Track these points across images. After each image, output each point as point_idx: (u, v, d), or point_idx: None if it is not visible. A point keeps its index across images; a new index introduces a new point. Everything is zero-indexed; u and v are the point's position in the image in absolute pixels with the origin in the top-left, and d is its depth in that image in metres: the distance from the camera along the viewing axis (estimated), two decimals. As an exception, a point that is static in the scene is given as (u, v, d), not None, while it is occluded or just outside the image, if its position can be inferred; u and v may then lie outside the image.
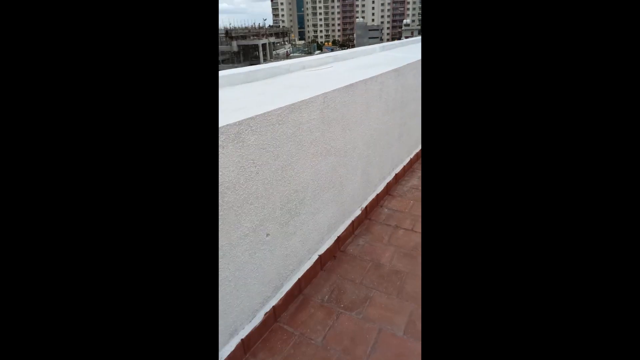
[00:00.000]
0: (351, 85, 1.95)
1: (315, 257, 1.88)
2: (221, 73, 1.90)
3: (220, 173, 1.17)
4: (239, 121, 1.22)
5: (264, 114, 1.34)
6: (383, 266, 1.97)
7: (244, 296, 1.41)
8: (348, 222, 2.20)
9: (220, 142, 1.16)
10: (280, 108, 1.43)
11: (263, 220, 1.44)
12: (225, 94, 1.72)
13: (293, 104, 1.49)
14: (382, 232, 2.30)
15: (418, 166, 3.36)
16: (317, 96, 1.67)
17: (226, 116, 1.27)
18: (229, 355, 1.34)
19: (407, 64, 2.77)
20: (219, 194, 1.19)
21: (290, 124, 1.49)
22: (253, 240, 1.40)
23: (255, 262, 1.44)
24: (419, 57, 3.17)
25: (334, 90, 1.80)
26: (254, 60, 35.70)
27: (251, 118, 1.28)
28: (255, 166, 1.34)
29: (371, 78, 2.16)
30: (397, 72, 2.56)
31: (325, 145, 1.80)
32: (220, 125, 1.16)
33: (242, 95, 1.68)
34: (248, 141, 1.28)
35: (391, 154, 2.78)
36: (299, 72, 2.43)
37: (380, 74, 2.30)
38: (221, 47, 37.30)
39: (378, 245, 2.17)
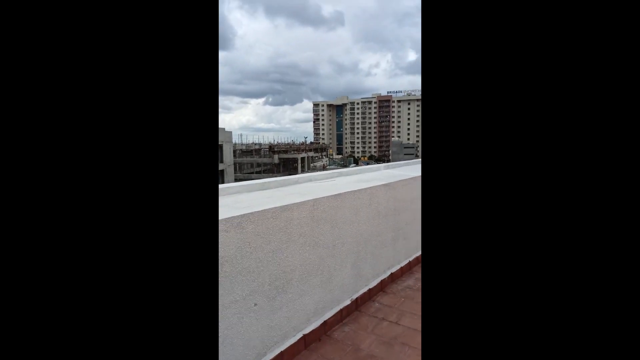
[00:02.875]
0: (340, 194, 2.51)
1: (299, 335, 2.17)
2: (241, 183, 2.57)
3: (221, 249, 1.68)
4: (241, 214, 1.78)
5: (261, 211, 1.90)
6: (361, 350, 2.20)
7: (229, 353, 1.74)
8: (336, 309, 2.51)
9: (225, 227, 1.69)
10: (275, 207, 1.98)
11: (252, 292, 1.86)
12: (241, 197, 2.35)
13: (285, 205, 2.05)
14: (368, 323, 2.54)
15: (418, 269, 3.63)
16: (308, 201, 2.23)
17: (234, 211, 1.83)
18: (210, 403, 1.62)
19: (399, 180, 3.36)
20: (219, 265, 1.67)
21: (282, 219, 2.03)
22: (242, 306, 1.80)
23: (243, 326, 1.81)
24: (415, 174, 3.77)
25: (323, 197, 2.36)
26: (293, 171, 39.16)
27: (251, 213, 1.84)
28: (250, 247, 1.83)
29: (359, 190, 2.73)
30: (388, 186, 3.13)
31: (314, 238, 2.28)
32: (228, 216, 1.72)
33: (253, 198, 2.29)
34: (247, 228, 1.81)
35: (385, 254, 3.15)
36: (306, 183, 3.08)
37: (370, 187, 2.88)
38: (263, 160, 41.85)
39: (362, 333, 2.41)
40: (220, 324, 1.69)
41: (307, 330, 2.23)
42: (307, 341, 2.22)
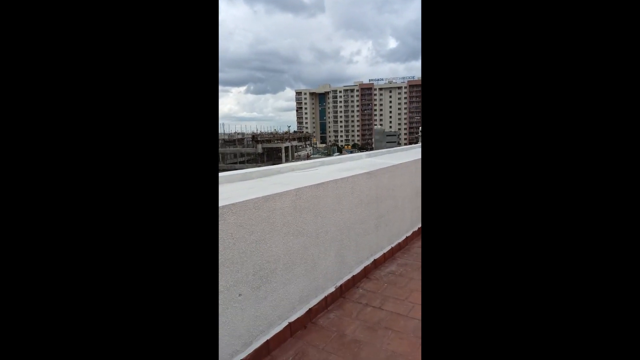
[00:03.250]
0: (322, 183, 2.52)
1: (285, 323, 2.20)
2: (223, 173, 2.55)
3: (204, 241, 1.67)
4: (222, 205, 1.77)
5: (243, 201, 1.89)
6: (346, 336, 2.25)
7: (215, 344, 1.75)
8: (321, 296, 2.54)
9: (207, 219, 1.68)
10: (257, 198, 1.98)
11: (237, 282, 1.86)
12: (222, 188, 2.32)
13: (268, 195, 2.05)
14: (352, 309, 2.60)
15: (400, 254, 3.71)
16: (290, 190, 2.23)
17: (215, 202, 1.82)
18: (196, 393, 1.63)
19: (382, 168, 3.39)
20: (203, 256, 1.67)
21: (264, 209, 2.03)
22: (226, 297, 1.81)
23: (227, 317, 1.82)
24: (397, 162, 3.82)
25: (306, 187, 2.37)
26: (277, 161, 39.03)
27: (232, 204, 1.83)
28: (233, 238, 1.83)
29: (342, 179, 2.75)
30: (370, 174, 3.16)
31: (297, 227, 2.29)
32: (209, 207, 1.70)
33: (235, 189, 2.28)
34: (228, 220, 1.80)
35: (368, 241, 3.20)
36: (288, 173, 3.08)
37: (352, 175, 2.90)
38: (247, 149, 41.50)
39: (346, 319, 2.46)
40: (204, 315, 1.69)
41: (292, 318, 2.26)
42: (293, 329, 2.25)
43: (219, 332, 1.78)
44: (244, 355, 1.91)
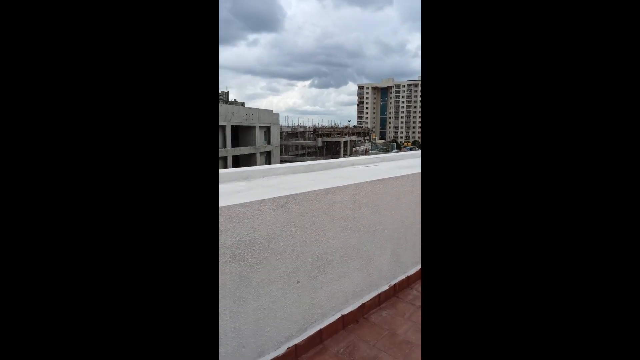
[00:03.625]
0: (382, 179, 2.51)
1: (338, 315, 2.25)
2: (288, 164, 2.65)
3: (268, 227, 1.77)
4: (287, 195, 1.85)
5: (306, 192, 1.96)
6: (397, 335, 2.23)
7: (273, 326, 1.86)
8: (374, 293, 2.55)
9: (273, 207, 1.78)
10: (319, 190, 2.04)
11: (296, 269, 1.94)
12: (287, 179, 2.42)
13: (328, 188, 2.10)
14: (405, 309, 2.56)
15: (459, 259, 3.55)
16: (350, 185, 2.26)
17: (281, 191, 1.91)
18: (253, 368, 1.75)
19: (445, 167, 3.26)
20: (267, 241, 1.77)
21: (325, 202, 2.08)
22: (286, 282, 1.90)
23: (286, 301, 1.91)
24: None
25: (365, 182, 2.37)
26: (335, 155, 39.33)
27: (296, 194, 1.90)
28: (295, 227, 1.91)
29: (402, 176, 2.71)
30: (432, 173, 3.06)
31: (355, 222, 2.31)
32: (275, 196, 1.80)
33: (298, 180, 2.36)
34: (292, 209, 1.88)
35: (426, 242, 3.11)
36: (348, 167, 3.10)
37: (413, 173, 2.83)
38: (308, 142, 42.37)
39: (399, 319, 2.44)
40: (265, 297, 1.80)
41: (345, 311, 2.30)
42: (345, 322, 2.29)
43: (278, 315, 1.88)
44: (298, 340, 1.99)
